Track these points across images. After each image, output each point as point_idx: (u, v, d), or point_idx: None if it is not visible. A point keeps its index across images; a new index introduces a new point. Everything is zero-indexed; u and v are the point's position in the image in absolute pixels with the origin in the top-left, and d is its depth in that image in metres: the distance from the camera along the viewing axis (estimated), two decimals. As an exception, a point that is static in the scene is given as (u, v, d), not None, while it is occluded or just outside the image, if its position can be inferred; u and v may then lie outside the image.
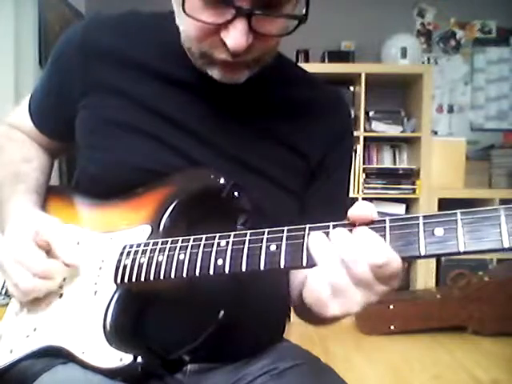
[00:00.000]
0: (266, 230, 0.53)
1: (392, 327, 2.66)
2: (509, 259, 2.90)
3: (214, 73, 0.63)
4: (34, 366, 0.61)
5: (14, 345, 0.64)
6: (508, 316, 2.53)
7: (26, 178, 0.77)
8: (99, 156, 0.70)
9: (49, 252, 0.64)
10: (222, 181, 0.64)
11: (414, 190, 2.93)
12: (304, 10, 0.57)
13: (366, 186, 2.95)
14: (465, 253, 0.43)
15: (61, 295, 0.66)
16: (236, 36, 0.56)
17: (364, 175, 2.95)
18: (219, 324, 0.63)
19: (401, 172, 2.99)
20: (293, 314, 2.79)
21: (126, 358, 0.56)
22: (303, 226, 0.51)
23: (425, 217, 0.45)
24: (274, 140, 0.71)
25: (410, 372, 2.20)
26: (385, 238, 0.46)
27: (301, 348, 0.79)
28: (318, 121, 0.74)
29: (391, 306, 2.67)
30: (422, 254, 0.44)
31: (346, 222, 0.49)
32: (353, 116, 2.99)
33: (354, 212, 0.48)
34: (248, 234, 0.54)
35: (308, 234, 0.50)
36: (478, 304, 2.61)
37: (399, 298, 2.73)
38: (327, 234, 0.48)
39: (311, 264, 0.49)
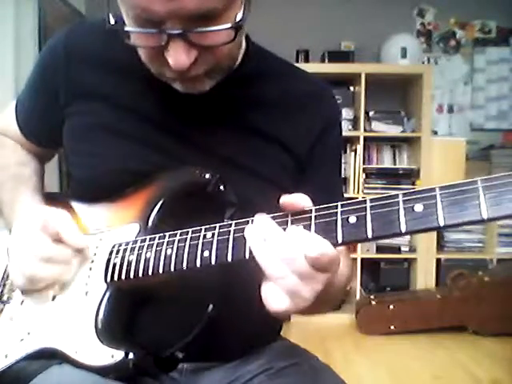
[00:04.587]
0: (251, 219, 0.53)
1: (392, 327, 2.66)
2: (509, 259, 2.90)
3: (177, 86, 0.64)
4: (29, 367, 0.61)
5: (9, 349, 0.64)
6: (508, 316, 2.53)
7: (26, 180, 0.78)
8: (86, 161, 0.71)
9: (59, 241, 0.64)
10: (207, 176, 0.64)
11: (413, 190, 2.93)
12: (239, 17, 0.56)
13: (366, 186, 2.95)
14: (445, 227, 0.43)
15: (53, 297, 0.66)
16: (175, 56, 0.56)
17: (364, 175, 2.96)
18: (209, 319, 0.63)
19: (401, 172, 2.99)
20: (293, 314, 2.76)
21: (118, 355, 0.56)
22: (286, 213, 0.51)
23: (404, 194, 0.46)
24: (258, 135, 0.71)
25: (410, 372, 2.20)
26: (365, 218, 0.46)
27: (298, 347, 0.79)
28: (304, 112, 0.74)
29: (391, 306, 2.67)
30: (403, 230, 0.45)
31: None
32: (353, 116, 3.00)
33: (286, 199, 0.50)
34: (233, 225, 0.54)
35: (291, 220, 0.51)
36: (478, 304, 2.61)
37: (399, 298, 2.73)
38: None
39: None
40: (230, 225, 0.55)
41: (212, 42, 0.57)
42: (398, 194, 0.46)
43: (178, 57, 0.56)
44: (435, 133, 3.25)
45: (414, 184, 2.95)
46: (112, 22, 0.58)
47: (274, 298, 0.48)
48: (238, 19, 0.56)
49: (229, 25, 0.56)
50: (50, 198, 0.80)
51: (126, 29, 0.57)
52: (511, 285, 2.63)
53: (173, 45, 0.56)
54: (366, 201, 0.48)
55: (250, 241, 0.50)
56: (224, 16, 0.55)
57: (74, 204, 0.74)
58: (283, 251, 0.47)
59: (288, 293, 0.47)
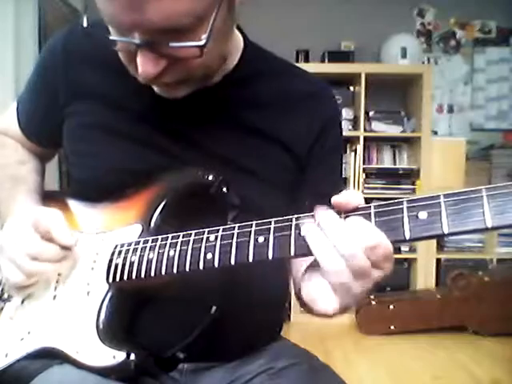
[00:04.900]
0: (254, 223, 0.53)
1: (392, 327, 2.66)
2: (509, 259, 2.90)
3: (155, 89, 0.64)
4: (30, 366, 0.61)
5: (9, 348, 0.64)
6: (508, 316, 2.53)
7: (25, 179, 0.79)
8: (86, 161, 0.71)
9: (48, 239, 0.64)
10: (210, 177, 0.64)
11: (413, 190, 2.93)
12: (204, 37, 0.55)
13: (366, 185, 2.95)
14: (449, 234, 0.44)
15: (54, 297, 0.66)
16: (143, 65, 0.57)
17: (364, 175, 2.96)
18: (212, 320, 0.63)
19: (401, 172, 2.99)
20: (293, 315, 2.79)
21: (119, 356, 0.56)
22: (290, 217, 0.51)
23: (409, 201, 0.46)
24: (258, 136, 0.71)
25: (410, 372, 2.20)
26: None
27: (298, 347, 0.79)
28: (303, 112, 0.74)
29: (391, 306, 2.67)
30: (407, 237, 0.45)
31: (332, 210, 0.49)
32: (353, 116, 2.99)
33: (337, 199, 0.48)
34: (236, 228, 0.54)
35: (296, 224, 0.50)
36: (478, 304, 2.61)
37: (399, 298, 2.73)
38: (316, 221, 0.49)
39: (299, 254, 0.50)
40: (234, 227, 0.54)
41: (180, 55, 0.57)
42: (402, 201, 0.46)
43: (145, 66, 0.57)
44: (435, 133, 3.24)
45: (413, 184, 2.95)
46: (85, 24, 0.59)
47: (326, 298, 0.49)
48: (203, 37, 0.55)
49: (193, 43, 0.55)
50: (49, 196, 0.80)
51: (108, 36, 0.58)
52: (511, 285, 2.63)
53: (140, 54, 0.56)
54: (370, 207, 0.48)
55: (308, 232, 0.49)
56: (193, 32, 0.55)
57: (75, 204, 0.74)
58: (342, 245, 0.46)
59: (339, 289, 0.48)
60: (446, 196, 0.44)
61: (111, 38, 0.57)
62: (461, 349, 2.44)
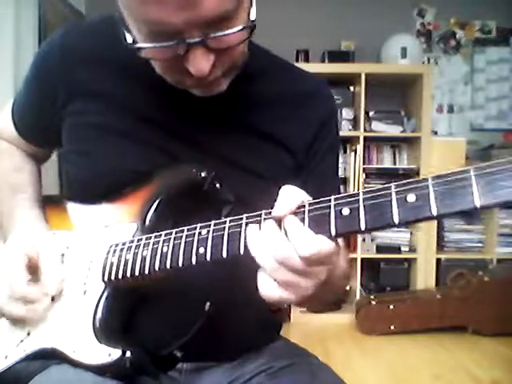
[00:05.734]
0: (245, 216, 0.53)
1: (392, 327, 2.66)
2: (509, 259, 2.90)
3: (195, 92, 0.64)
4: (29, 367, 0.61)
5: (9, 350, 0.65)
6: (508, 316, 2.53)
7: (23, 188, 0.78)
8: (86, 161, 0.71)
9: (37, 277, 0.65)
10: (203, 174, 0.65)
11: (414, 190, 2.93)
12: (253, 15, 0.56)
13: (365, 186, 2.95)
14: (438, 216, 0.43)
15: (52, 298, 0.66)
16: (196, 63, 0.56)
17: (364, 175, 2.96)
18: (208, 318, 0.63)
19: (401, 172, 3.00)
20: (293, 315, 2.78)
21: (115, 354, 0.57)
22: None
23: (397, 185, 0.45)
24: (257, 134, 0.71)
25: (410, 372, 2.20)
26: (359, 210, 0.46)
27: (297, 346, 0.79)
28: (301, 110, 0.74)
29: (391, 306, 2.67)
30: (396, 221, 0.44)
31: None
32: (353, 116, 2.99)
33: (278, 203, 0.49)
34: (228, 221, 0.54)
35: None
36: (478, 304, 2.61)
37: (399, 298, 2.73)
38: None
39: None
40: (225, 222, 0.55)
41: (228, 44, 0.57)
42: (390, 186, 0.46)
43: (199, 64, 0.56)
44: (435, 133, 3.25)
45: (413, 184, 2.95)
46: (129, 41, 0.57)
47: (268, 287, 0.48)
48: (251, 18, 0.56)
49: (244, 25, 0.56)
50: (50, 203, 0.79)
51: (143, 45, 0.56)
52: (511, 285, 2.63)
53: (192, 53, 0.55)
54: (359, 193, 0.47)
55: (248, 237, 0.50)
56: (237, 16, 0.55)
57: (72, 204, 0.74)
58: (278, 250, 0.47)
59: (284, 285, 0.47)
60: (433, 178, 0.44)
61: (158, 45, 0.55)
62: (461, 349, 2.44)
